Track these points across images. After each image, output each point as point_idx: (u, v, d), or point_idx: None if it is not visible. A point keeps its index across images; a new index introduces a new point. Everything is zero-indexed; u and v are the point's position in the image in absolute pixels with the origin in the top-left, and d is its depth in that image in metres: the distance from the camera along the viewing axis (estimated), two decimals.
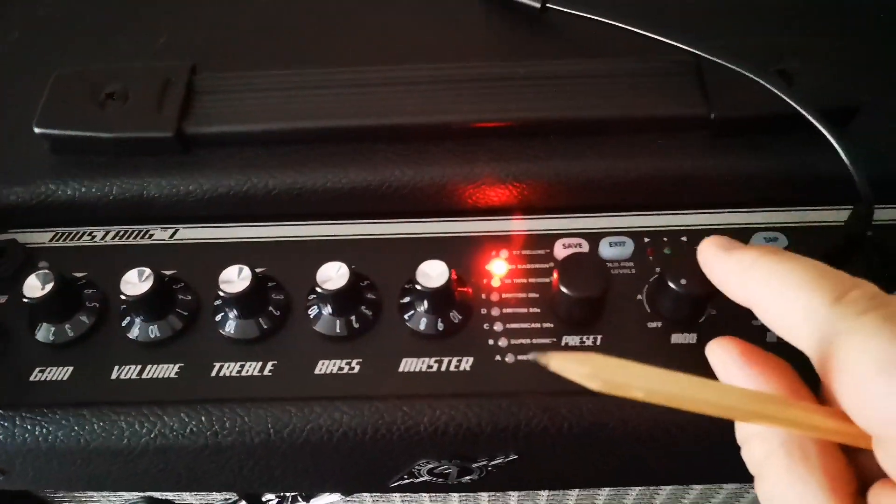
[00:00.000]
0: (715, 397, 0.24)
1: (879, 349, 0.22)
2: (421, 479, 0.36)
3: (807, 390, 0.27)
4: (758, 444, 0.27)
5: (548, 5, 0.39)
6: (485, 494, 0.44)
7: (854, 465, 0.26)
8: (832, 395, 0.25)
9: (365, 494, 0.45)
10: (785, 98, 0.34)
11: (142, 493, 0.44)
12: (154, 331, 0.33)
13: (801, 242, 0.35)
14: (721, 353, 0.29)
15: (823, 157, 0.33)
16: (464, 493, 0.44)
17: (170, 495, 0.44)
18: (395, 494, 0.44)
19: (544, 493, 0.44)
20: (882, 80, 0.37)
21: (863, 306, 0.24)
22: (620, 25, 0.38)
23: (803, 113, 0.33)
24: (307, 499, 0.43)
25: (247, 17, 0.42)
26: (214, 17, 0.42)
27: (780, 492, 0.26)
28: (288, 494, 0.43)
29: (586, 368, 0.23)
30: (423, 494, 0.44)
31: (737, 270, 0.28)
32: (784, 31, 0.39)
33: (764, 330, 0.33)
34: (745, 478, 0.37)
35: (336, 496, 0.44)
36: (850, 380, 0.23)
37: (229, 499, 0.45)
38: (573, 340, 0.33)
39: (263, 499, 0.44)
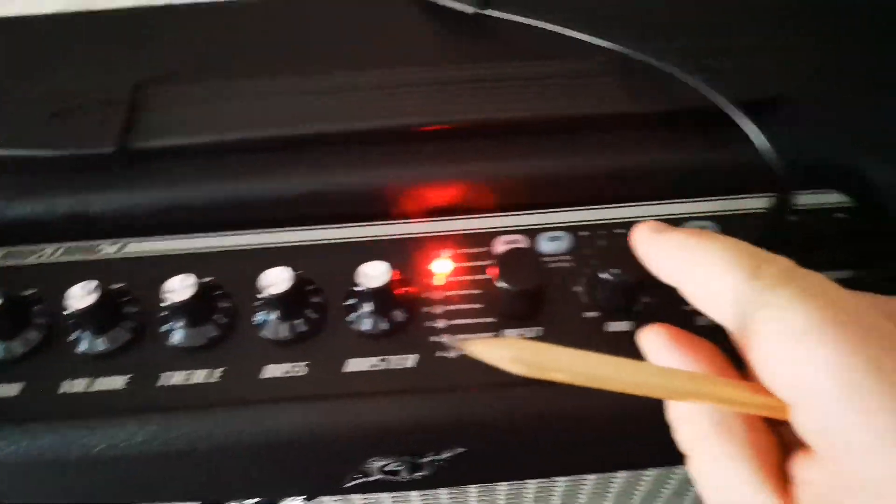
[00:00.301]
0: (637, 376, 0.25)
1: (790, 319, 0.24)
2: (374, 478, 0.37)
3: (733, 370, 0.29)
4: (687, 424, 0.28)
5: (482, 11, 0.41)
6: (444, 491, 0.45)
7: (778, 438, 0.27)
8: (751, 369, 0.26)
9: (327, 502, 0.45)
10: (706, 92, 0.35)
11: None
12: (101, 344, 0.34)
13: (730, 229, 0.36)
14: (652, 338, 0.30)
15: (747, 148, 0.35)
16: (424, 492, 0.44)
17: None
18: (355, 496, 0.45)
19: (503, 486, 0.45)
20: (801, 74, 0.38)
21: (776, 280, 0.25)
22: (551, 28, 0.39)
23: (723, 106, 0.35)
24: None
25: (189, 37, 0.43)
26: (158, 38, 0.43)
27: (710, 468, 0.27)
28: (249, 502, 0.44)
29: (508, 352, 0.24)
30: (384, 494, 0.44)
31: (665, 252, 0.29)
32: (708, 32, 0.41)
33: (693, 315, 0.35)
34: None
35: (297, 501, 0.44)
36: (763, 351, 0.25)
37: None
38: (514, 333, 0.34)
39: None
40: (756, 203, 0.37)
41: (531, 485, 0.45)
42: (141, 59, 0.41)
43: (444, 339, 0.27)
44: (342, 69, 0.39)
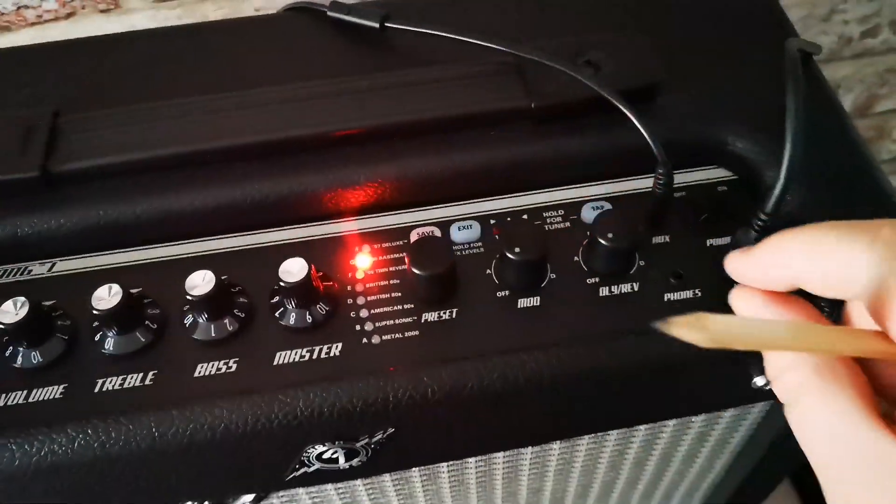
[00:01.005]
0: (809, 338, 0.28)
1: None
2: (314, 468, 0.39)
3: (826, 320, 0.31)
4: (791, 373, 0.29)
5: (386, 24, 0.44)
6: (389, 481, 0.47)
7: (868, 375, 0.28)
8: (891, 331, 0.27)
9: (272, 496, 0.47)
10: (590, 84, 0.38)
11: None
12: (36, 357, 0.35)
13: (625, 208, 0.40)
14: (748, 299, 0.32)
15: (632, 133, 0.38)
16: (369, 484, 0.46)
17: None
18: (301, 493, 0.46)
19: (445, 471, 0.47)
20: (675, 65, 0.42)
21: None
22: (450, 36, 0.42)
23: (605, 95, 0.38)
24: None
25: (101, 66, 0.44)
26: (71, 65, 0.45)
27: (816, 412, 0.28)
28: None
29: (699, 329, 0.26)
30: (330, 490, 0.46)
31: (771, 260, 0.30)
32: (589, 30, 0.44)
33: (597, 287, 0.38)
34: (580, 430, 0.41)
35: (247, 499, 0.45)
36: None
37: None
38: (432, 316, 0.37)
39: None
40: (646, 183, 0.41)
41: (471, 467, 0.47)
42: (56, 90, 0.43)
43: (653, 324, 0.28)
44: (256, 86, 0.41)
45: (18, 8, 0.58)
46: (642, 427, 0.46)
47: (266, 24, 0.47)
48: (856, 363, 0.28)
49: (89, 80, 0.44)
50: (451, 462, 0.45)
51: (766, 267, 0.31)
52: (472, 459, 0.46)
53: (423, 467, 0.45)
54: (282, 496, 0.45)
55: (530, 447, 0.45)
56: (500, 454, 0.46)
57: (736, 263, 0.32)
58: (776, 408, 0.45)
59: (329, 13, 0.45)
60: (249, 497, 0.45)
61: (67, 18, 0.60)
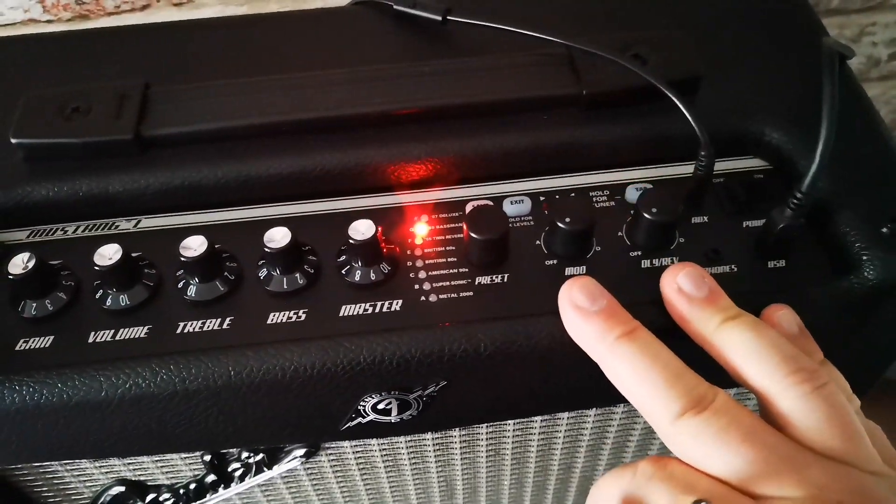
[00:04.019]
0: None
1: None
2: (368, 419, 0.42)
3: None
4: None
5: (448, 17, 0.47)
6: (430, 449, 0.49)
7: None
8: None
9: (323, 460, 0.49)
10: (641, 74, 0.42)
11: (116, 476, 0.48)
12: (124, 299, 0.39)
13: (668, 188, 0.43)
14: None
15: (677, 121, 0.41)
16: (411, 446, 0.49)
17: (142, 476, 0.48)
18: (350, 458, 0.49)
19: (483, 438, 0.49)
20: (714, 61, 0.45)
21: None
22: (508, 29, 0.45)
23: (657, 84, 0.41)
24: (269, 465, 0.48)
25: (186, 46, 0.49)
26: (157, 45, 0.49)
27: None
28: (252, 462, 0.48)
29: None
30: (375, 452, 0.48)
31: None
32: (632, 27, 0.48)
33: (638, 260, 0.40)
34: None
35: (296, 461, 0.48)
36: None
37: (198, 474, 0.49)
38: (485, 280, 0.40)
39: (229, 469, 0.48)
40: (686, 169, 0.44)
41: (509, 432, 0.50)
42: (145, 65, 0.47)
43: None
44: (327, 68, 0.45)
45: None
46: None
47: (335, 16, 0.51)
48: None
49: (175, 58, 0.48)
50: (489, 425, 0.48)
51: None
52: (510, 430, 0.49)
53: (463, 434, 0.47)
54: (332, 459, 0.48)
55: (566, 416, 0.48)
56: (537, 428, 0.49)
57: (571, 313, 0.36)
58: None
59: (395, 6, 0.49)
60: (300, 452, 0.48)
61: (143, 10, 0.64)
